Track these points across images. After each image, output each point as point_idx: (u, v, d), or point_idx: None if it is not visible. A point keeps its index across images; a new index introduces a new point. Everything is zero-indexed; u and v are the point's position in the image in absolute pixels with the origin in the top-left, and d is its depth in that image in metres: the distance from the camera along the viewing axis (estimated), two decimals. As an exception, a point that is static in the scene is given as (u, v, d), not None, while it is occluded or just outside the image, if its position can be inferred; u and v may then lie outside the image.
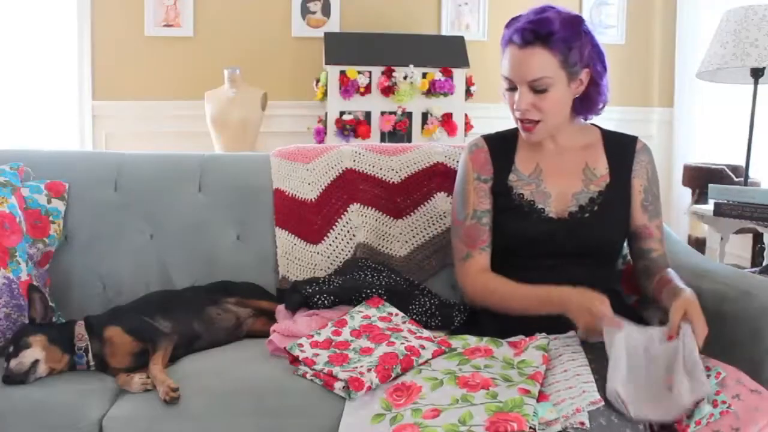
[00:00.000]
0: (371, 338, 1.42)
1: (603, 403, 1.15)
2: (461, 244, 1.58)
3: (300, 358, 1.38)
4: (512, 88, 1.45)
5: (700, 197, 3.25)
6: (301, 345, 1.41)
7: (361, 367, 1.29)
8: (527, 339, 1.38)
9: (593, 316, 1.29)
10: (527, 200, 1.52)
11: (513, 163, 1.57)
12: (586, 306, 1.31)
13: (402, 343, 1.38)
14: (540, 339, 1.36)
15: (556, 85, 1.42)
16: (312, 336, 1.44)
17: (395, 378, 1.29)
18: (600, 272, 1.52)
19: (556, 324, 1.38)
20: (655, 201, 1.56)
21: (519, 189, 1.54)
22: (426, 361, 1.34)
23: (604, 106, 1.55)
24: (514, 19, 1.46)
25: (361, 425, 1.18)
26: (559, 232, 1.49)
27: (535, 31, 1.39)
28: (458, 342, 1.41)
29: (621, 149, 1.56)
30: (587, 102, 1.51)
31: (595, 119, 1.60)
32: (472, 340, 1.41)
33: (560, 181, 1.53)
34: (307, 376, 1.35)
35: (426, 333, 1.47)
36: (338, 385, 1.28)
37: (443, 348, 1.38)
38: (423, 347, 1.37)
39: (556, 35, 1.39)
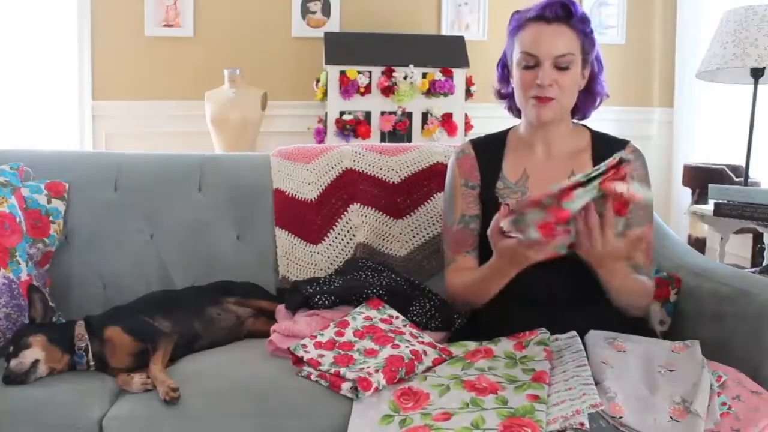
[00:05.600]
0: (375, 340, 1.42)
1: (603, 406, 1.15)
2: (449, 250, 1.58)
3: (305, 359, 1.37)
4: (530, 66, 1.44)
5: (700, 197, 3.25)
6: (304, 346, 1.41)
7: (368, 368, 1.29)
8: (527, 333, 1.38)
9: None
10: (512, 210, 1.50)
11: (500, 170, 1.55)
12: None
13: (407, 347, 1.38)
14: (540, 334, 1.36)
15: (575, 65, 1.45)
16: (315, 336, 1.44)
17: (400, 381, 1.29)
18: (591, 284, 1.47)
19: (557, 323, 1.38)
20: (638, 209, 1.47)
21: (505, 199, 1.52)
22: (429, 369, 1.34)
23: (601, 101, 1.57)
24: (517, 12, 1.49)
25: (370, 426, 1.18)
26: None
27: (565, 6, 1.42)
28: (458, 349, 1.41)
29: (608, 155, 1.47)
30: (589, 96, 1.54)
31: (594, 119, 1.60)
32: (471, 345, 1.41)
33: (545, 189, 1.50)
34: (312, 377, 1.35)
35: (427, 338, 1.46)
36: (345, 386, 1.28)
37: (444, 356, 1.38)
38: (425, 353, 1.37)
39: (579, 16, 1.44)
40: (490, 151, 1.58)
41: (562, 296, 1.46)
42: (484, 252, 1.55)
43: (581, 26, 1.45)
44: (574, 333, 1.37)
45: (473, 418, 1.13)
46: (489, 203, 1.53)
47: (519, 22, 1.48)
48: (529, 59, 1.45)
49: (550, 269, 1.46)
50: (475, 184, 1.56)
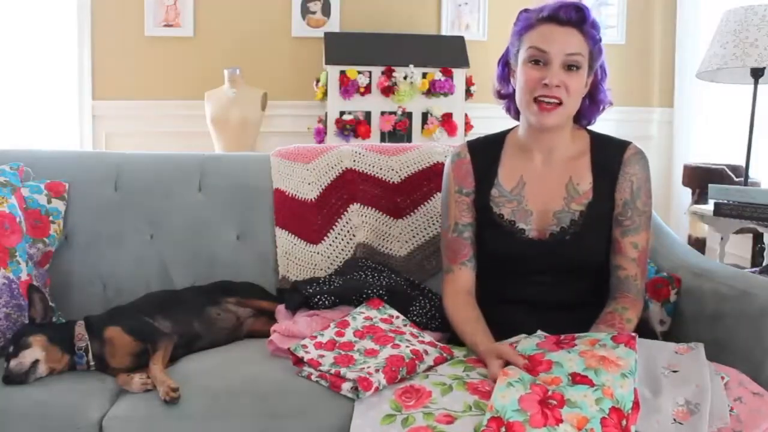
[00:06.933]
0: (375, 340, 1.42)
1: None
2: (445, 256, 1.57)
3: (305, 360, 1.37)
4: (538, 63, 1.39)
5: (700, 197, 3.25)
6: (305, 346, 1.40)
7: (369, 367, 1.29)
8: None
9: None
10: (507, 220, 1.48)
11: (496, 176, 1.51)
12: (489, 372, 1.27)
13: (407, 346, 1.37)
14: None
15: (582, 69, 1.41)
16: (315, 337, 1.44)
17: (401, 380, 1.28)
18: (589, 286, 1.49)
19: (554, 326, 1.37)
20: (637, 216, 1.45)
21: (500, 207, 1.49)
22: (430, 368, 1.33)
23: (604, 108, 1.54)
24: (526, 10, 1.45)
25: (372, 426, 1.17)
26: (540, 254, 1.45)
27: (579, 10, 1.39)
28: (460, 352, 1.41)
29: (608, 160, 1.48)
30: (593, 104, 1.51)
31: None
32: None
33: (542, 198, 1.47)
34: (312, 377, 1.34)
35: (427, 338, 1.46)
36: (346, 386, 1.27)
37: (445, 355, 1.38)
38: (426, 352, 1.37)
39: (591, 23, 1.41)
40: (486, 154, 1.54)
41: (560, 299, 1.46)
42: (482, 257, 1.55)
43: (592, 32, 1.41)
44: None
45: (476, 424, 1.13)
46: (483, 210, 1.51)
47: (529, 21, 1.42)
48: (538, 55, 1.39)
49: (549, 272, 1.47)
50: (470, 191, 1.53)
